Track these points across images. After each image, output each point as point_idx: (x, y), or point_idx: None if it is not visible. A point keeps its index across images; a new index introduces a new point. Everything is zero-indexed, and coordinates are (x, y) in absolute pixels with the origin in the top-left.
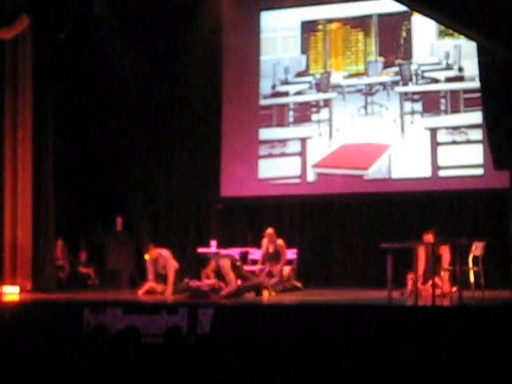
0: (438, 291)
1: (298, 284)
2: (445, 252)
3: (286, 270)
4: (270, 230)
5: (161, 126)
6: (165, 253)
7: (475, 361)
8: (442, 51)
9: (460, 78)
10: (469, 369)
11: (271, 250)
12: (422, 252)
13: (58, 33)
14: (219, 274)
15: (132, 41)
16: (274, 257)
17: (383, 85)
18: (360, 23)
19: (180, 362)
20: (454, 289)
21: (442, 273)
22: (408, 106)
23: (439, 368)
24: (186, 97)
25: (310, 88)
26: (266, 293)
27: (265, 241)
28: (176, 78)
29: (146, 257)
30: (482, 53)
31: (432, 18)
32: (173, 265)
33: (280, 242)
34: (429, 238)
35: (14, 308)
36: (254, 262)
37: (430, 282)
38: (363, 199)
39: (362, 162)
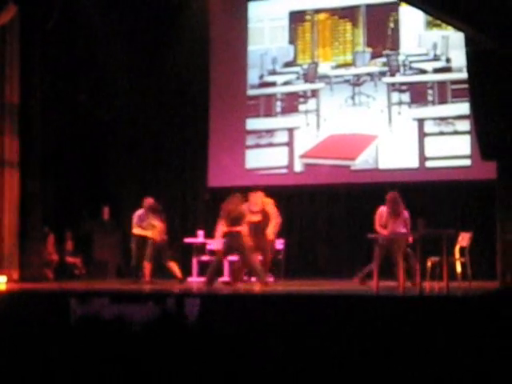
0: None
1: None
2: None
3: None
4: None
5: (148, 116)
6: None
7: (461, 351)
8: (430, 42)
9: (447, 69)
10: (454, 360)
11: None
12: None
13: (45, 21)
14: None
15: (120, 31)
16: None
17: (371, 75)
18: (348, 14)
19: (167, 351)
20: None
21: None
22: (395, 96)
23: (425, 358)
24: (174, 86)
25: (298, 78)
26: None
27: None
28: (164, 68)
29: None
30: (469, 44)
31: (419, 8)
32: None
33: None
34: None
35: (0, 298)
36: None
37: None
38: (350, 189)
39: (349, 152)
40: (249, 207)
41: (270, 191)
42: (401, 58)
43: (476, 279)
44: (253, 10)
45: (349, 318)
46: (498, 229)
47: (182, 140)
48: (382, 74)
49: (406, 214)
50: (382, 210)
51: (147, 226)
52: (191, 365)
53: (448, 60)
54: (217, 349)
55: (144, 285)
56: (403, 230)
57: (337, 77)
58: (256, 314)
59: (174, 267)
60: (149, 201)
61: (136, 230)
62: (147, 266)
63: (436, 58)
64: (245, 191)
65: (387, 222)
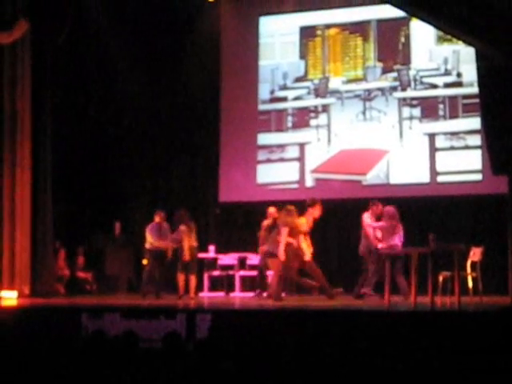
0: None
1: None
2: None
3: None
4: None
5: (159, 131)
6: None
7: (473, 367)
8: (441, 57)
9: (458, 84)
10: (466, 375)
11: None
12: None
13: (56, 37)
14: None
15: (131, 46)
16: None
17: (382, 90)
18: (359, 28)
19: (178, 367)
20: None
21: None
22: (406, 111)
23: (435, 373)
24: (185, 101)
25: (309, 93)
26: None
27: None
28: (175, 83)
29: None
30: (480, 58)
31: (430, 23)
32: None
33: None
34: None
35: (12, 313)
36: (253, 268)
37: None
38: (361, 204)
39: (360, 167)
40: (308, 220)
41: (281, 206)
42: (412, 72)
43: (488, 294)
44: (264, 25)
45: (360, 333)
46: (510, 243)
47: (193, 155)
48: (393, 88)
49: (400, 227)
50: (368, 219)
51: (177, 237)
52: (203, 381)
53: (459, 75)
54: (227, 364)
55: (178, 300)
56: (399, 243)
57: (348, 92)
58: (267, 330)
59: (193, 283)
60: (161, 214)
61: (156, 243)
62: (181, 278)
63: (447, 73)
64: (256, 206)
65: (382, 235)
